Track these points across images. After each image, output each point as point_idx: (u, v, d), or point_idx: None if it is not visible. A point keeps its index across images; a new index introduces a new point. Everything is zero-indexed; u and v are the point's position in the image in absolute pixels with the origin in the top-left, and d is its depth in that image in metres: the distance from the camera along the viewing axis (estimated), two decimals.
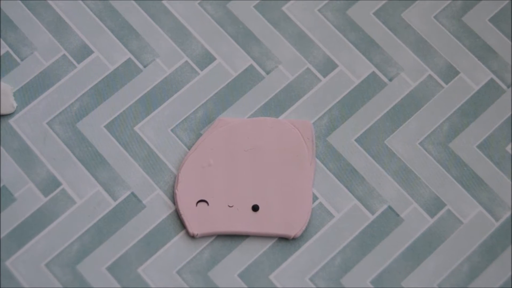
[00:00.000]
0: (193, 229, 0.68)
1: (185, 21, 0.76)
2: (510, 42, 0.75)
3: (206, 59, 0.74)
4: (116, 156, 0.71)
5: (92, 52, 0.74)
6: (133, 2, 0.76)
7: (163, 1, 0.76)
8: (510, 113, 0.73)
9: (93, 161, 0.70)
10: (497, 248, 0.68)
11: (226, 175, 0.69)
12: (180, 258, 0.68)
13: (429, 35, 0.75)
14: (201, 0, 0.77)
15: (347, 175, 0.70)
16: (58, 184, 0.69)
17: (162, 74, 0.74)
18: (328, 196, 0.70)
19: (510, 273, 0.67)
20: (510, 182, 0.70)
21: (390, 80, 0.74)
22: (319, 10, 0.76)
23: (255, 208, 0.68)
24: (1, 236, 0.68)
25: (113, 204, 0.69)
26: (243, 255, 0.68)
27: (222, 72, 0.74)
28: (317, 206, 0.69)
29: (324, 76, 0.74)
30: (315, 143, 0.71)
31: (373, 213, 0.69)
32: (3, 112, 0.71)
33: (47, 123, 0.72)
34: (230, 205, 0.68)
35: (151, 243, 0.68)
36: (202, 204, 0.68)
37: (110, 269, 0.67)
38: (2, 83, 0.72)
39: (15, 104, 0.72)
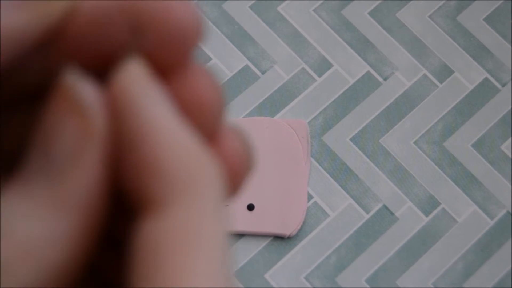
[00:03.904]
0: None
1: None
2: (504, 42, 0.75)
3: (202, 59, 0.74)
4: None
5: None
6: None
7: None
8: (505, 112, 0.73)
9: None
10: (492, 247, 0.68)
11: None
12: None
13: (424, 34, 0.76)
14: (197, 1, 0.77)
15: (342, 174, 0.71)
16: None
17: None
18: (323, 195, 0.70)
19: (505, 272, 0.68)
20: (505, 181, 0.70)
21: (385, 79, 0.74)
22: (314, 10, 0.77)
23: (250, 207, 0.68)
24: None
25: None
26: (239, 254, 0.68)
27: (218, 73, 0.74)
28: (312, 205, 0.69)
29: (319, 76, 0.74)
30: (310, 142, 0.71)
31: (368, 212, 0.69)
32: None
33: None
34: (226, 205, 0.68)
35: None
36: None
37: None
38: None
39: None
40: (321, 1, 0.77)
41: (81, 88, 0.14)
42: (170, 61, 0.15)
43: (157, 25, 0.14)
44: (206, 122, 0.15)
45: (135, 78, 0.14)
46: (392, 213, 0.69)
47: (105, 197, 0.14)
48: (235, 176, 0.16)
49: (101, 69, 0.15)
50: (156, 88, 0.15)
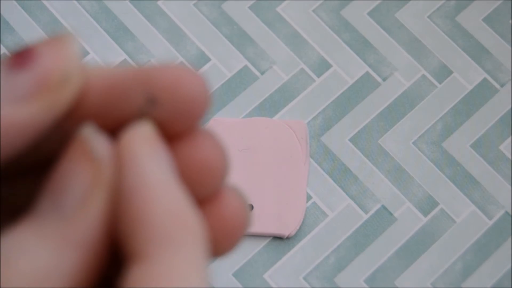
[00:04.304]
0: None
1: (180, 22, 0.76)
2: (503, 42, 0.75)
3: (201, 60, 0.75)
4: None
5: (88, 53, 0.75)
6: (128, 3, 0.77)
7: (158, 2, 0.77)
8: (504, 112, 0.73)
9: None
10: (490, 247, 0.69)
11: None
12: None
13: (423, 35, 0.76)
14: (196, 1, 0.77)
15: (341, 174, 0.71)
16: None
17: None
18: (322, 195, 0.70)
19: (503, 272, 0.68)
20: (504, 181, 0.71)
21: (384, 80, 0.74)
22: (313, 11, 0.77)
23: (249, 207, 0.68)
24: None
25: None
26: (238, 255, 0.68)
27: (217, 73, 0.74)
28: (311, 206, 0.70)
29: (318, 76, 0.74)
30: (309, 143, 0.72)
31: (366, 212, 0.70)
32: None
33: None
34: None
35: None
36: None
37: None
38: None
39: None
40: (320, 2, 0.77)
41: (94, 140, 0.16)
42: (180, 127, 0.17)
43: (169, 96, 0.16)
44: (209, 183, 0.17)
45: (141, 137, 0.16)
46: (391, 214, 0.69)
47: (106, 242, 0.16)
48: (232, 234, 0.17)
49: (115, 127, 0.17)
50: (160, 149, 0.16)
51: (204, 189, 0.17)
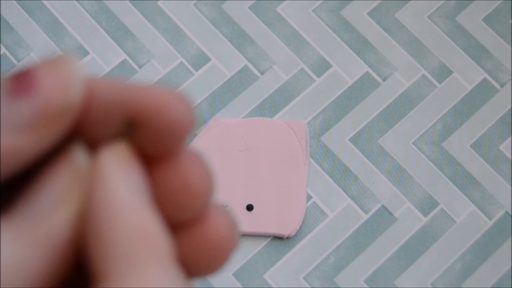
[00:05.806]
0: None
1: (180, 22, 0.76)
2: (503, 42, 0.75)
3: (201, 59, 0.75)
4: None
5: (88, 53, 0.75)
6: (128, 3, 0.77)
7: (158, 2, 0.77)
8: (504, 112, 0.73)
9: None
10: (490, 247, 0.69)
11: (220, 175, 0.69)
12: None
13: (423, 35, 0.76)
14: (196, 1, 0.77)
15: (341, 174, 0.71)
16: None
17: (157, 75, 0.74)
18: (322, 195, 0.70)
19: (503, 272, 0.68)
20: (504, 181, 0.71)
21: (384, 80, 0.74)
22: (313, 11, 0.77)
23: (249, 207, 0.68)
24: None
25: None
26: (238, 255, 0.68)
27: (217, 73, 0.74)
28: (311, 206, 0.70)
29: (318, 76, 0.74)
30: (309, 143, 0.72)
31: (366, 213, 0.70)
32: None
33: None
34: (225, 205, 0.68)
35: None
36: None
37: None
38: None
39: None
40: (320, 2, 0.77)
41: (76, 150, 0.16)
42: (161, 151, 0.17)
43: (150, 121, 0.16)
44: (194, 204, 0.17)
45: (114, 157, 0.16)
46: (391, 214, 0.69)
47: (73, 250, 0.16)
48: (221, 252, 0.18)
49: (96, 143, 0.17)
50: (132, 170, 0.16)
51: (189, 210, 0.17)
